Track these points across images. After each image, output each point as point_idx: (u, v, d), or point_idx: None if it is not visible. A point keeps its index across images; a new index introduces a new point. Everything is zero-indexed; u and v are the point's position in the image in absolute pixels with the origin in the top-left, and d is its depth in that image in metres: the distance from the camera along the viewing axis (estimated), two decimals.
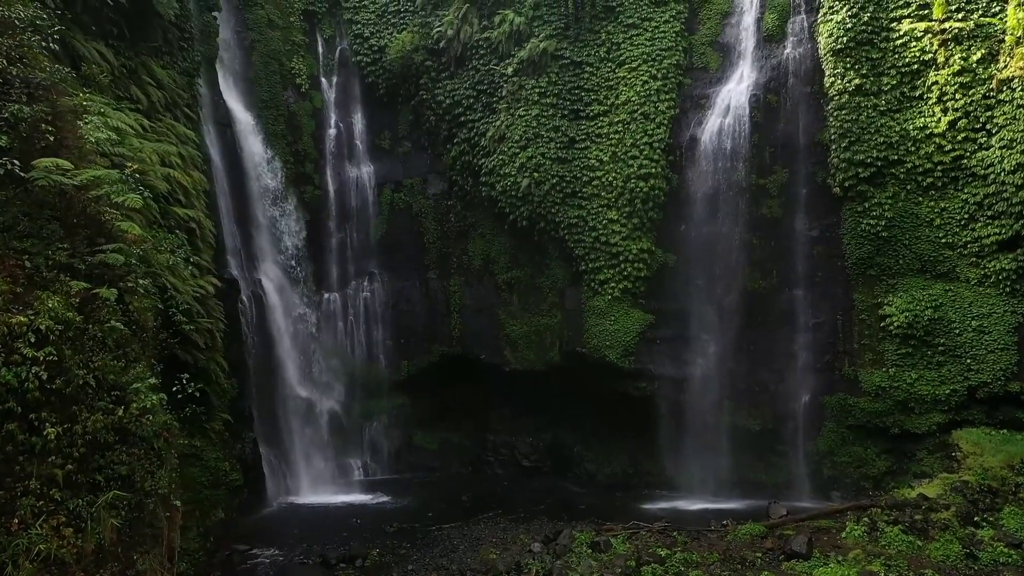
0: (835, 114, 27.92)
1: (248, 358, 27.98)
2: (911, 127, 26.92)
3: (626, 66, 31.11)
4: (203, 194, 24.54)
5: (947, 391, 26.17)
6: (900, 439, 27.16)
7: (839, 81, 27.88)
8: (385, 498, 29.65)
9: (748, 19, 30.62)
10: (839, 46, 27.82)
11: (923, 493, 21.64)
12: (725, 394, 29.84)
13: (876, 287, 27.70)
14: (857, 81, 27.50)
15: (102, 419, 10.64)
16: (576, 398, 32.57)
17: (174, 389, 14.18)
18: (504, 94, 32.38)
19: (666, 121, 30.28)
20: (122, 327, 11.40)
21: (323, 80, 35.24)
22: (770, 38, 29.91)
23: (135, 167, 13.47)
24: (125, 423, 11.03)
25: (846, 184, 27.73)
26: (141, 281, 12.19)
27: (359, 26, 35.09)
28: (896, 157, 27.10)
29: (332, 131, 35.04)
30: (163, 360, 21.70)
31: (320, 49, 35.35)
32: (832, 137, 28.00)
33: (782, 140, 29.23)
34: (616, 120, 30.83)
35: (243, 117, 31.16)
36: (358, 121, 35.60)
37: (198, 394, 15.33)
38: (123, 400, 11.17)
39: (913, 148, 26.92)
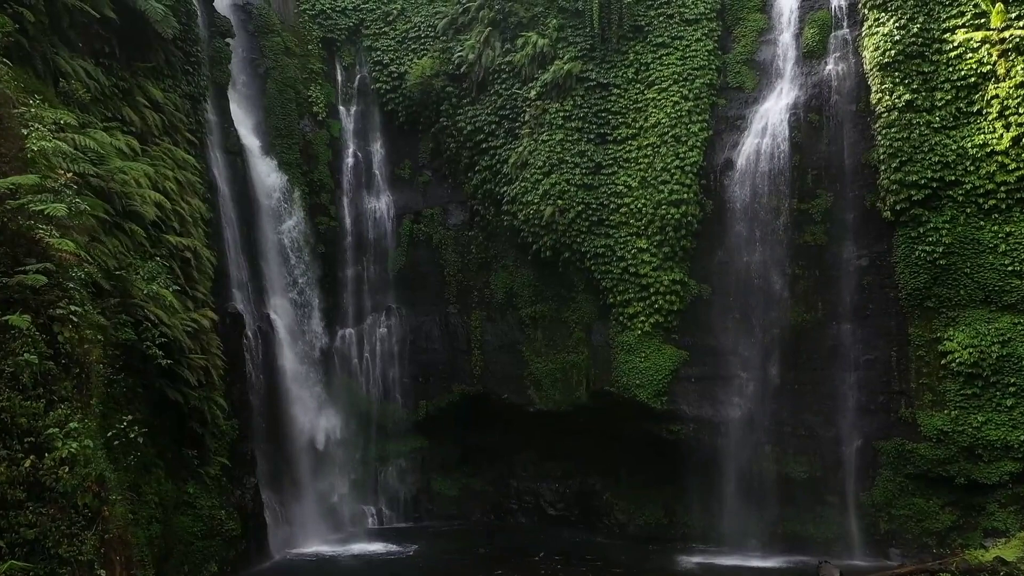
0: (884, 132, 25.77)
1: (252, 397, 26.35)
2: (969, 145, 24.60)
3: (656, 87, 29.40)
4: (202, 222, 23.19)
5: (1021, 437, 23.35)
6: (967, 490, 24.32)
7: (887, 97, 25.78)
8: (400, 548, 27.54)
9: (786, 35, 28.81)
10: (886, 60, 25.78)
11: (1000, 556, 18.94)
12: (767, 438, 27.39)
13: (934, 320, 25.14)
14: (907, 96, 25.36)
15: (4, 471, 8.87)
16: (605, 442, 30.36)
17: (117, 431, 12.36)
18: (527, 119, 30.85)
19: (699, 143, 28.41)
20: (39, 361, 9.67)
21: (341, 108, 34.10)
22: (810, 54, 27.99)
23: (69, 176, 11.95)
24: (40, 476, 9.25)
25: (898, 208, 25.41)
26: (76, 308, 10.50)
27: (379, 53, 34.01)
28: (953, 178, 24.75)
29: (350, 160, 33.76)
30: (151, 399, 20.36)
31: (339, 77, 34.31)
32: (881, 157, 25.80)
33: (825, 162, 27.11)
34: (645, 143, 29.04)
35: (255, 145, 30.02)
36: (377, 150, 34.31)
37: (140, 439, 13.48)
38: (38, 448, 9.40)
39: (972, 168, 24.56)
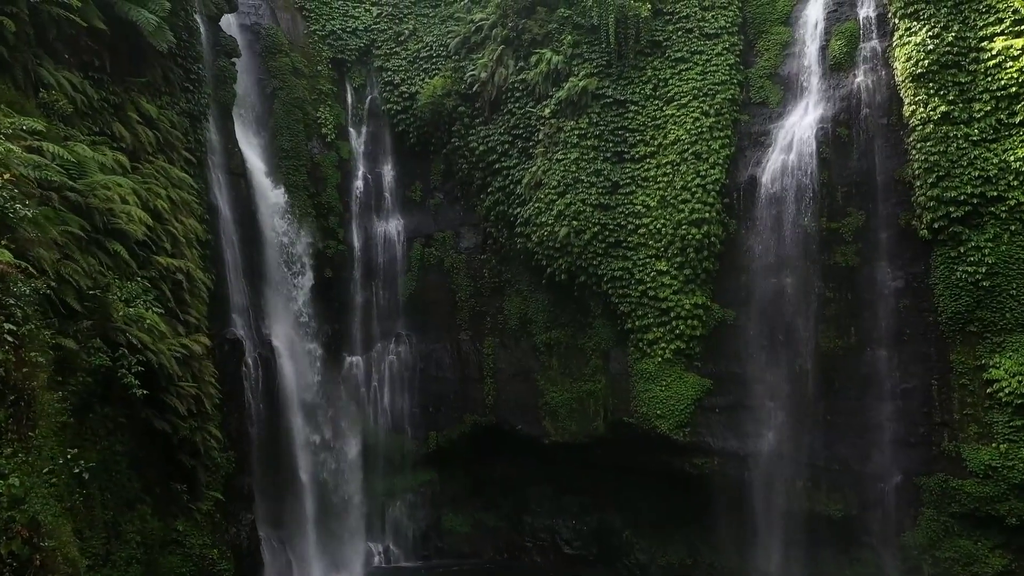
0: (919, 147, 24.25)
1: (251, 428, 25.09)
2: (1012, 158, 22.99)
3: (675, 103, 28.21)
4: (198, 244, 22.12)
5: None
6: (1020, 531, 22.34)
7: (922, 109, 24.30)
8: None
9: (812, 48, 27.51)
10: (920, 70, 24.34)
11: None
12: (798, 473, 25.67)
13: (978, 346, 23.36)
14: (943, 108, 23.85)
15: None
16: (625, 476, 28.88)
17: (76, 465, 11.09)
18: (541, 137, 29.77)
19: (721, 160, 27.10)
20: None
21: (351, 130, 33.24)
22: (838, 67, 26.65)
23: (7, 177, 10.82)
24: None
25: (935, 226, 23.79)
26: (12, 326, 9.29)
27: (389, 73, 33.20)
28: (995, 193, 23.11)
29: (359, 183, 32.81)
30: (135, 430, 19.14)
31: (349, 98, 33.50)
32: (916, 173, 24.26)
33: (856, 178, 25.62)
34: (664, 161, 27.77)
35: (261, 167, 29.15)
36: (387, 172, 33.35)
37: (86, 476, 12.16)
38: None
39: (1016, 182, 22.92)
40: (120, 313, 15.52)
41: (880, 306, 25.00)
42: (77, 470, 11.55)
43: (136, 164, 20.40)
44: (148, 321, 17.90)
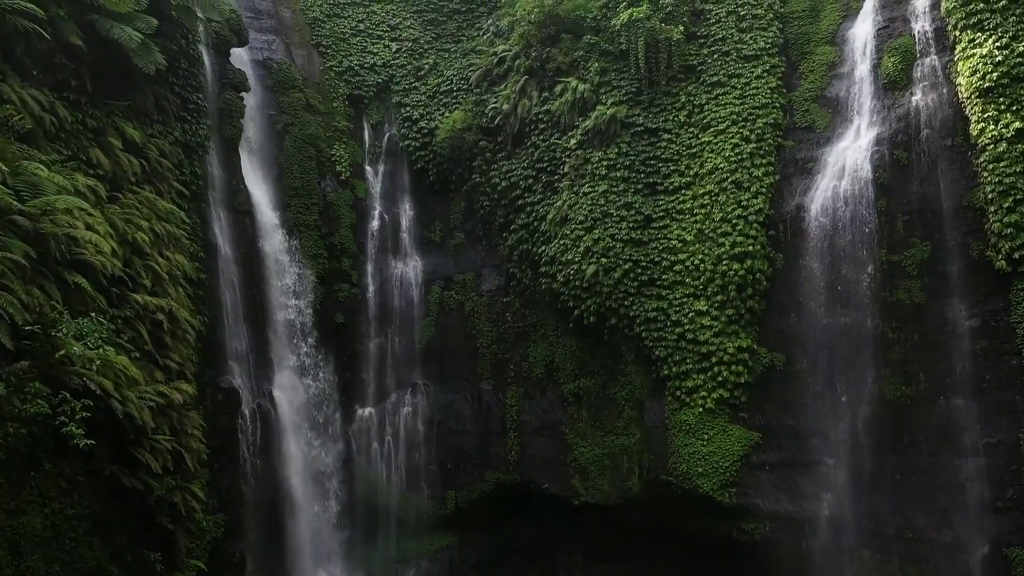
0: (990, 168, 21.65)
1: (246, 487, 22.78)
2: None
3: (711, 129, 26.07)
4: (186, 282, 20.22)
5: None
6: None
7: (991, 127, 21.77)
8: None
9: (862, 68, 25.31)
10: (987, 84, 21.92)
11: None
12: (864, 542, 22.63)
13: None
14: (1017, 124, 21.38)
15: None
16: (664, 542, 26.09)
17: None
18: (566, 170, 27.66)
19: (764, 189, 24.76)
20: None
21: (368, 168, 31.52)
22: (892, 86, 24.33)
23: None
24: None
25: (1015, 256, 20.98)
26: None
27: (408, 109, 31.61)
28: None
29: (375, 222, 30.91)
30: (100, 489, 16.94)
31: (366, 136, 31.90)
32: (989, 197, 21.59)
33: (918, 205, 23.03)
34: (702, 192, 25.49)
35: (267, 205, 27.47)
36: (405, 211, 31.44)
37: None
38: None
39: None
40: (74, 354, 13.41)
41: (953, 348, 22.05)
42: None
43: (117, 193, 18.68)
44: (119, 364, 15.86)
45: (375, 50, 32.23)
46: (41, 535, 14.21)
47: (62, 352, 12.88)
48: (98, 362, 13.64)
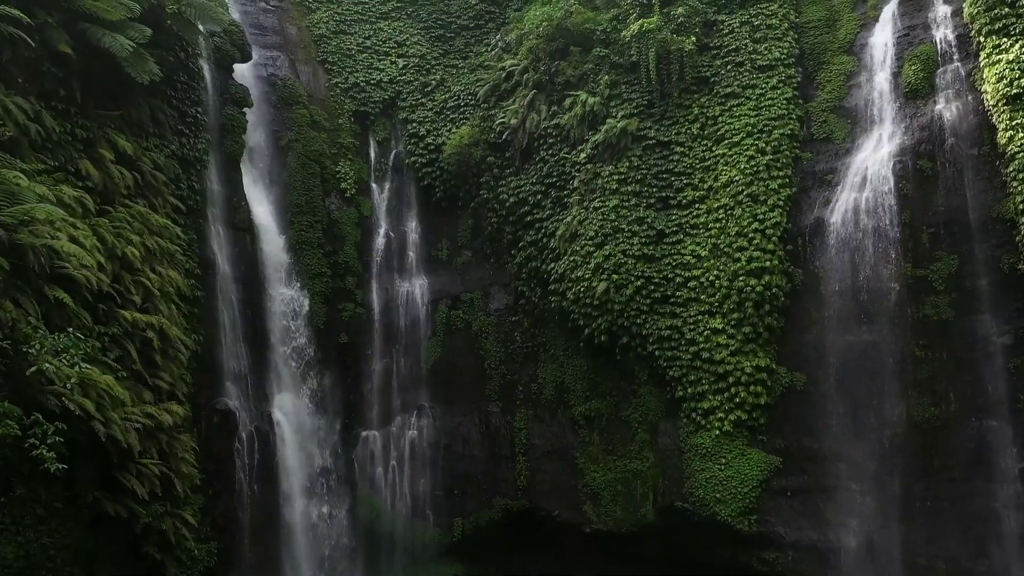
0: (1020, 178, 20.63)
1: (242, 514, 21.84)
2: None
3: (726, 142, 25.23)
4: (180, 299, 19.48)
5: None
6: None
7: (1020, 135, 20.74)
8: None
9: (881, 77, 24.43)
10: (1016, 91, 20.95)
11: None
12: (893, 573, 21.20)
13: None
14: None
15: None
16: (680, 572, 24.42)
17: None
18: (576, 185, 26.86)
19: (781, 202, 23.82)
20: None
21: (374, 185, 30.90)
22: (913, 95, 23.43)
23: None
24: None
25: None
26: None
27: (415, 125, 31.04)
28: None
29: (381, 240, 30.20)
30: (81, 516, 16.09)
31: (372, 153, 31.30)
32: (1019, 208, 20.55)
33: (944, 217, 21.98)
34: (716, 206, 24.60)
35: (270, 222, 26.84)
36: (412, 229, 30.74)
37: None
38: None
39: None
40: (49, 372, 12.63)
41: (984, 367, 20.86)
42: None
43: (107, 207, 18.02)
44: (102, 384, 15.10)
45: (381, 66, 31.77)
46: (13, 566, 13.40)
47: (33, 369, 12.06)
48: (74, 380, 12.80)
